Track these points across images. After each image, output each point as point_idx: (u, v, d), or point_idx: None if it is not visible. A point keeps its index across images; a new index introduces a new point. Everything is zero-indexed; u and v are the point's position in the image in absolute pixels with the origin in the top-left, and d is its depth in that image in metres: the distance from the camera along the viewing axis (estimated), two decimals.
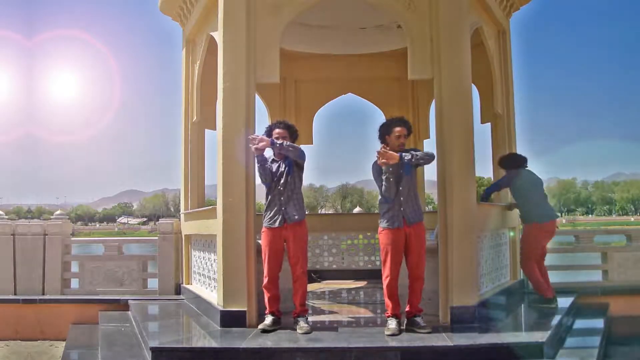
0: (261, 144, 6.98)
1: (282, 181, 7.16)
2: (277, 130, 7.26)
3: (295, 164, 7.21)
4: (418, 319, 6.90)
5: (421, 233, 7.03)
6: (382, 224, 7.01)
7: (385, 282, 6.92)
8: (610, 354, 7.73)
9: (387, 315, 6.93)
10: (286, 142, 7.11)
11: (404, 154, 6.88)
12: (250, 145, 7.09)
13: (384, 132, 7.13)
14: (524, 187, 8.99)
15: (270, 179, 7.20)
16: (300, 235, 7.19)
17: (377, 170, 7.00)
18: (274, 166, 7.25)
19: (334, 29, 10.72)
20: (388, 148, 6.91)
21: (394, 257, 6.89)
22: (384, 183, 6.88)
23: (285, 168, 7.18)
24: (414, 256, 6.93)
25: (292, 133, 7.38)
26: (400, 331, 6.69)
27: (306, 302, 7.28)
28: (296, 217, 7.13)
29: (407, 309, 6.97)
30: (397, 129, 7.05)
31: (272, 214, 7.17)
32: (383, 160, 6.77)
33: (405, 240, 6.92)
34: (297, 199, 7.21)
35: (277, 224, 7.11)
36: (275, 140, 7.06)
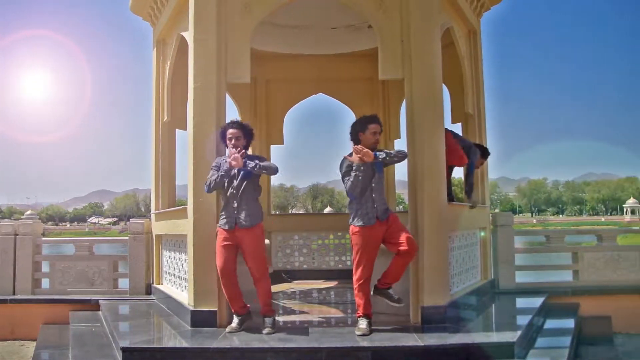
0: (233, 163, 6.89)
1: (235, 184, 7.04)
2: (230, 131, 7.14)
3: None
4: (391, 291, 6.99)
5: (396, 220, 7.02)
6: (357, 223, 6.92)
7: (358, 282, 6.90)
8: (581, 354, 7.84)
9: (358, 315, 6.91)
10: (258, 164, 6.95)
11: (377, 152, 6.86)
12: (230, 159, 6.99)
13: (358, 129, 7.05)
14: None
15: (223, 184, 7.06)
16: (253, 237, 7.05)
17: (348, 166, 6.91)
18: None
19: (304, 29, 10.71)
20: (362, 145, 6.84)
21: (369, 258, 6.89)
22: (351, 180, 6.80)
23: (241, 172, 7.06)
24: (398, 236, 6.86)
25: (246, 133, 7.24)
26: (371, 331, 6.68)
27: (271, 302, 7.20)
28: (248, 222, 7.01)
29: (382, 279, 7.01)
30: (372, 125, 7.01)
31: (225, 215, 7.09)
32: (359, 156, 6.71)
33: (380, 238, 6.91)
34: (251, 203, 7.09)
35: (228, 226, 7.03)
36: (248, 163, 6.95)
